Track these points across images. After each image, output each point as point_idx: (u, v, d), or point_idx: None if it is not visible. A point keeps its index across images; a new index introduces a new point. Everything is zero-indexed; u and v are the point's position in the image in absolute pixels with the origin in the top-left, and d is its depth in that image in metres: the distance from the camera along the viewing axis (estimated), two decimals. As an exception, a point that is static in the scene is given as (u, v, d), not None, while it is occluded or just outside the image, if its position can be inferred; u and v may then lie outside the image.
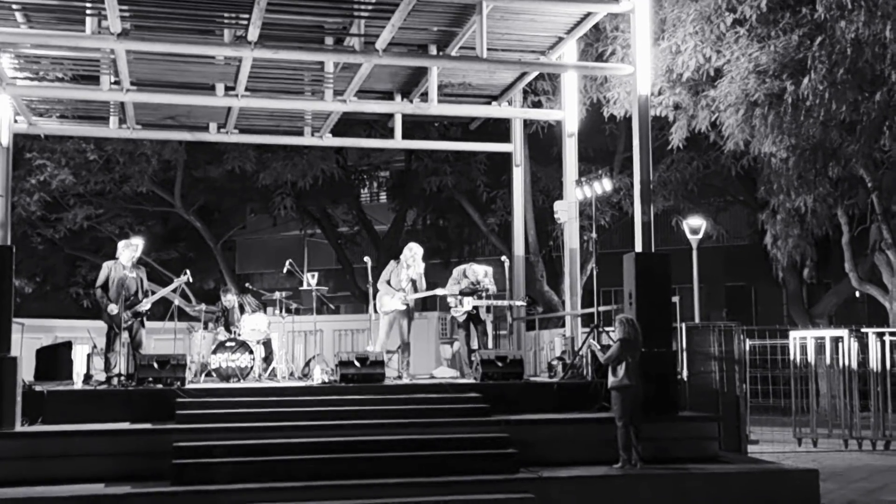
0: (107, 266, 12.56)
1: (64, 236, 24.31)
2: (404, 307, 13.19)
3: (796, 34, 13.55)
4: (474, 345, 13.42)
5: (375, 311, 13.53)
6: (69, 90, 13.75)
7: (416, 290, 13.31)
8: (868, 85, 13.33)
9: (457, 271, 13.78)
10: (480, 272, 13.54)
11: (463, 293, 13.31)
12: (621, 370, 9.99)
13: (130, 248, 12.69)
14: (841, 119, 13.75)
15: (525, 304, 14.68)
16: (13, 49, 12.57)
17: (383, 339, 13.25)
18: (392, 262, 13.54)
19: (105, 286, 12.35)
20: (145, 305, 12.43)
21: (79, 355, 13.37)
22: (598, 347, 10.89)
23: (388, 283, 13.27)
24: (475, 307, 13.31)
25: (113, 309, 12.15)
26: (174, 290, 13.15)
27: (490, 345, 13.74)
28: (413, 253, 13.35)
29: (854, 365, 14.35)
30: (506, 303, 13.91)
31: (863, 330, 14.59)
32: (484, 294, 13.30)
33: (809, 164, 14.80)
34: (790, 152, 14.64)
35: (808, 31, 13.49)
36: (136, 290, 12.46)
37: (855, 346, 14.39)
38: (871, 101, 13.25)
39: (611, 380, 10.10)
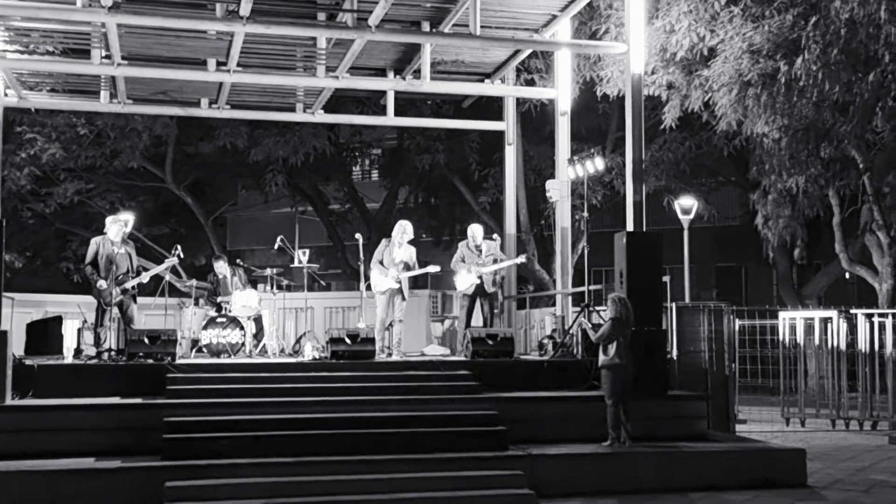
0: (95, 242, 12.51)
1: (54, 211, 24.28)
2: (398, 285, 13.14)
3: (790, 14, 13.53)
4: (479, 321, 13.38)
5: (368, 288, 13.50)
6: (60, 63, 13.67)
7: (408, 269, 13.25)
8: (862, 65, 13.31)
9: (460, 247, 13.74)
10: (480, 233, 13.53)
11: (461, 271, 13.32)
12: (612, 349, 10.02)
13: (118, 224, 12.65)
14: (834, 100, 13.74)
15: (525, 260, 14.73)
16: (3, 22, 12.48)
17: (382, 317, 13.17)
18: (384, 241, 13.48)
19: (94, 262, 12.30)
20: (131, 283, 12.36)
21: (69, 330, 13.41)
22: (590, 326, 10.92)
23: (381, 262, 13.20)
24: (480, 276, 13.28)
25: (102, 285, 12.11)
26: (175, 273, 13.11)
27: (495, 321, 13.74)
28: (404, 230, 13.30)
29: (843, 346, 14.41)
30: (508, 263, 13.88)
31: (852, 311, 14.63)
32: (488, 261, 13.29)
33: (802, 145, 14.79)
34: (782, 133, 14.64)
35: (803, 11, 13.47)
36: (126, 266, 12.41)
37: (844, 326, 14.44)
38: (864, 82, 13.24)
39: (601, 358, 10.13)
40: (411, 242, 13.42)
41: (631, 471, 9.58)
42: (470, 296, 13.43)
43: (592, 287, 12.99)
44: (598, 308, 12.45)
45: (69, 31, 12.89)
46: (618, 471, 9.56)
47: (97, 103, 15.42)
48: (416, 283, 26.97)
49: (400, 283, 13.11)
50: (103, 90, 14.92)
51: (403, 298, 13.21)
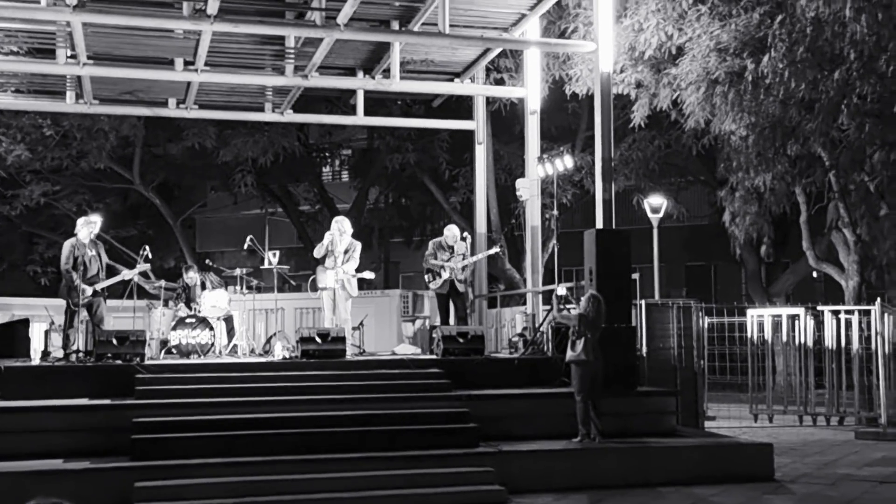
0: (69, 244, 12.40)
1: (21, 213, 23.98)
2: (338, 284, 12.97)
3: (757, 12, 13.68)
4: (452, 322, 13.35)
5: (314, 289, 13.39)
6: (24, 63, 13.53)
7: (344, 263, 13.00)
8: (827, 63, 13.44)
9: (432, 244, 13.72)
10: (458, 234, 13.52)
11: (432, 269, 13.30)
12: (579, 345, 10.05)
13: (89, 226, 12.55)
14: (800, 97, 13.86)
15: (499, 249, 14.75)
16: (-34, 21, 12.34)
17: (329, 316, 13.06)
18: (326, 236, 13.23)
19: (74, 265, 12.21)
20: (102, 284, 12.24)
21: (36, 332, 13.27)
22: (558, 309, 10.82)
23: (324, 260, 13.07)
24: (452, 271, 13.26)
25: (87, 290, 12.03)
26: (144, 275, 12.99)
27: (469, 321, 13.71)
28: (340, 225, 13.18)
29: (810, 342, 14.53)
30: (481, 255, 13.85)
31: (818, 308, 14.77)
32: (459, 257, 13.29)
33: (768, 142, 14.90)
34: (750, 130, 14.75)
35: (769, 10, 13.62)
36: (97, 268, 12.31)
37: (811, 323, 14.57)
38: (829, 80, 13.37)
39: (569, 354, 10.17)
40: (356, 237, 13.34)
41: (601, 466, 9.62)
42: (445, 294, 13.44)
43: (563, 285, 13.02)
44: (569, 306, 12.47)
45: (34, 31, 12.77)
46: (588, 466, 9.59)
47: (63, 104, 15.25)
48: (388, 282, 27.03)
49: (341, 281, 12.99)
50: (69, 90, 14.77)
51: (348, 296, 13.05)
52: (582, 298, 10.38)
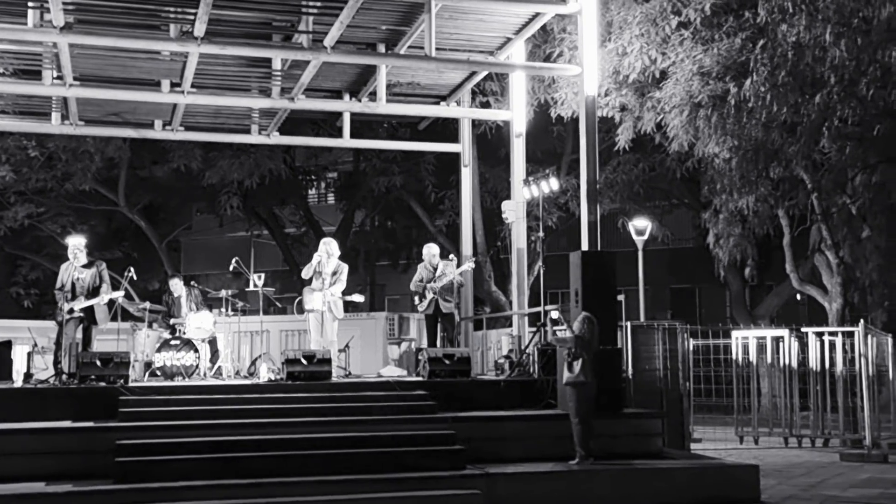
0: (62, 267, 12.48)
1: (4, 235, 23.87)
2: (326, 306, 12.96)
3: (739, 37, 13.80)
4: (440, 343, 13.34)
5: (301, 312, 13.39)
6: (10, 84, 13.47)
7: (332, 285, 13.03)
8: (808, 87, 13.57)
9: (420, 268, 13.75)
10: (436, 252, 13.52)
11: (417, 291, 13.32)
12: (577, 367, 10.01)
13: (70, 249, 12.54)
14: (782, 120, 13.99)
15: (474, 264, 14.74)
16: (-48, 42, 12.32)
17: (316, 338, 13.03)
18: (314, 256, 13.26)
19: (61, 286, 12.25)
20: (80, 304, 12.18)
21: (19, 354, 13.18)
22: (554, 333, 10.83)
23: (311, 282, 13.08)
24: (435, 292, 13.28)
25: (65, 307, 12.03)
26: (128, 297, 12.95)
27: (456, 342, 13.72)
28: (328, 247, 13.19)
29: (794, 364, 14.57)
30: (458, 271, 13.88)
31: (803, 330, 14.83)
32: (441, 278, 13.29)
33: (751, 165, 15.00)
34: (733, 153, 14.85)
35: (751, 35, 13.74)
36: (82, 289, 12.26)
37: (795, 345, 14.62)
38: (811, 103, 13.50)
39: (566, 376, 10.11)
40: (342, 258, 13.39)
41: (587, 488, 9.60)
42: (432, 315, 13.45)
43: (548, 308, 13.04)
44: (556, 329, 12.48)
45: (20, 52, 12.74)
46: (575, 488, 9.57)
47: (48, 125, 15.20)
48: (373, 305, 27.01)
49: (328, 303, 12.96)
50: (55, 112, 14.74)
51: (334, 318, 13.05)
52: (576, 320, 10.37)
